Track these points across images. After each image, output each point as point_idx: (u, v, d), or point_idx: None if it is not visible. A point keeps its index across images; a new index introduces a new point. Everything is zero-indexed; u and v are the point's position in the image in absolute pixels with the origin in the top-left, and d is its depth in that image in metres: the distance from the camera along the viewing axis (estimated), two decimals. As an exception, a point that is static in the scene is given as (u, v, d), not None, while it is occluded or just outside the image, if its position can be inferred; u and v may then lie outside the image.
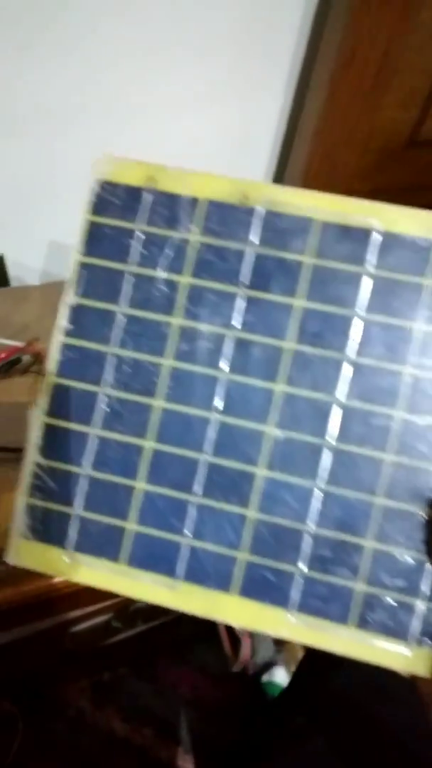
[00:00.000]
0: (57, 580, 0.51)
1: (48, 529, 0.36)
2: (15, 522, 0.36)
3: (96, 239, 0.35)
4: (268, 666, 1.01)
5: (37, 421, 0.36)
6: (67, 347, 0.36)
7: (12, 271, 0.78)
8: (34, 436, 0.36)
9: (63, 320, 0.36)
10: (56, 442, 0.36)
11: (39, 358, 0.65)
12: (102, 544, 0.36)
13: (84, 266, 0.36)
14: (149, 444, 0.35)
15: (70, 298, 0.36)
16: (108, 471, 0.36)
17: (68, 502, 0.36)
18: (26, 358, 0.64)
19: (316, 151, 0.77)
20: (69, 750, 0.87)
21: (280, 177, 0.83)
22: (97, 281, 0.36)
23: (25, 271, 0.79)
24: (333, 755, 0.47)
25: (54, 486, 0.36)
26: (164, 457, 0.35)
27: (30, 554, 0.36)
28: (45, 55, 0.61)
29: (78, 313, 0.36)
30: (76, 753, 0.87)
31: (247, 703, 0.94)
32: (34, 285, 0.75)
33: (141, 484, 0.36)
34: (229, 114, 0.73)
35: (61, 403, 0.36)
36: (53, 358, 0.36)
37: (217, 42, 0.67)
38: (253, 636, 0.97)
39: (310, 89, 0.73)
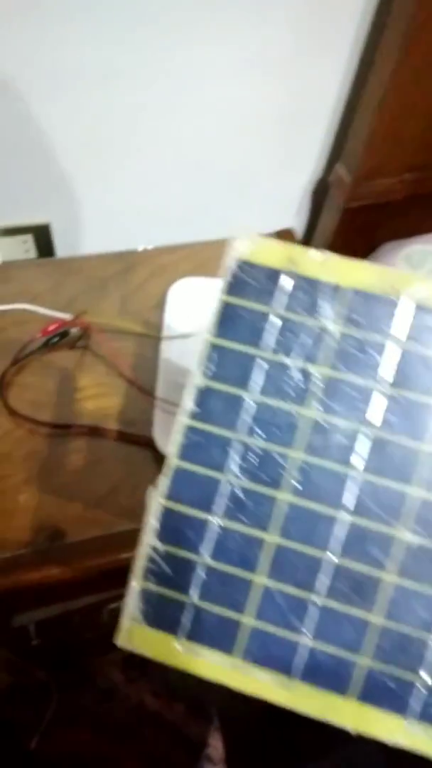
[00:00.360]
0: (104, 560, 0.50)
1: (161, 615, 0.35)
2: (128, 605, 0.35)
3: (229, 321, 0.34)
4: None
5: (155, 504, 0.35)
6: (191, 430, 0.34)
7: (58, 241, 0.76)
8: (152, 519, 0.35)
9: (189, 401, 0.34)
10: (174, 527, 0.35)
11: (87, 332, 0.63)
12: (217, 635, 0.35)
13: (215, 348, 0.34)
14: (272, 538, 0.34)
15: (197, 380, 0.34)
16: (227, 561, 0.34)
17: (184, 589, 0.35)
18: (74, 332, 0.62)
19: (380, 123, 0.73)
20: (100, 721, 0.87)
21: (338, 150, 0.80)
22: (227, 364, 0.34)
23: (72, 241, 0.77)
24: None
25: (170, 572, 0.35)
26: (287, 552, 0.34)
27: (141, 639, 0.35)
28: (95, 18, 0.58)
29: (205, 396, 0.34)
30: (107, 724, 0.87)
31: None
32: (82, 256, 0.72)
33: (261, 579, 0.34)
34: (287, 82, 0.70)
35: (181, 487, 0.35)
36: (176, 441, 0.35)
37: (275, 3, 0.63)
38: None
39: (377, 55, 0.70)
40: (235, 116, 0.72)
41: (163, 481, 0.35)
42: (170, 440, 0.34)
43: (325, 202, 0.87)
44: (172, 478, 0.35)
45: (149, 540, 0.35)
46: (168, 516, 0.35)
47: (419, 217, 0.88)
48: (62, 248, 0.78)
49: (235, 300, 0.34)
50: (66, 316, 0.62)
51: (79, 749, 0.86)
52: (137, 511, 0.51)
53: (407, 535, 0.33)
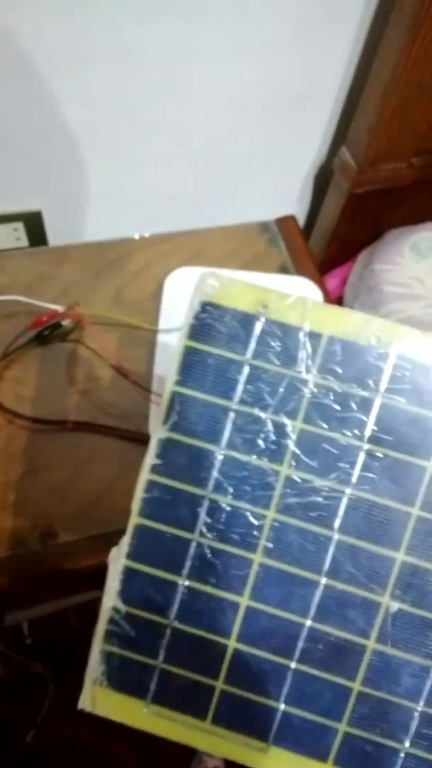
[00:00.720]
0: (98, 560, 0.49)
1: (125, 678, 0.33)
2: (89, 668, 0.33)
3: (194, 368, 0.31)
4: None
5: (117, 564, 0.32)
6: (154, 485, 0.32)
7: (51, 229, 0.73)
8: (114, 580, 0.32)
9: (151, 454, 0.32)
10: (138, 588, 0.32)
11: (79, 324, 0.60)
12: (185, 699, 0.33)
13: (178, 396, 0.31)
14: (244, 601, 0.32)
15: (159, 431, 0.31)
16: (195, 625, 0.32)
17: (149, 652, 0.33)
18: (66, 324, 0.59)
19: (388, 103, 0.69)
20: (94, 715, 0.88)
21: (343, 134, 0.75)
22: (192, 415, 0.31)
23: (65, 229, 0.74)
24: None
25: (133, 634, 0.33)
26: (260, 616, 0.32)
27: (106, 702, 0.33)
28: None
29: (168, 449, 0.31)
30: (101, 718, 0.88)
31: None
32: (75, 244, 0.69)
33: (232, 643, 0.32)
34: (291, 63, 0.66)
35: (144, 545, 0.32)
36: (137, 496, 0.32)
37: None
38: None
39: (386, 34, 0.65)
40: (237, 99, 0.68)
41: (125, 540, 0.32)
42: (134, 499, 0.32)
43: (329, 187, 0.82)
44: (133, 536, 0.32)
45: (111, 601, 0.33)
46: (130, 576, 0.32)
47: (428, 203, 0.83)
48: (55, 236, 0.75)
49: (200, 345, 0.30)
50: (58, 308, 0.59)
51: (75, 742, 0.87)
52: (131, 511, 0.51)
53: (390, 602, 0.30)
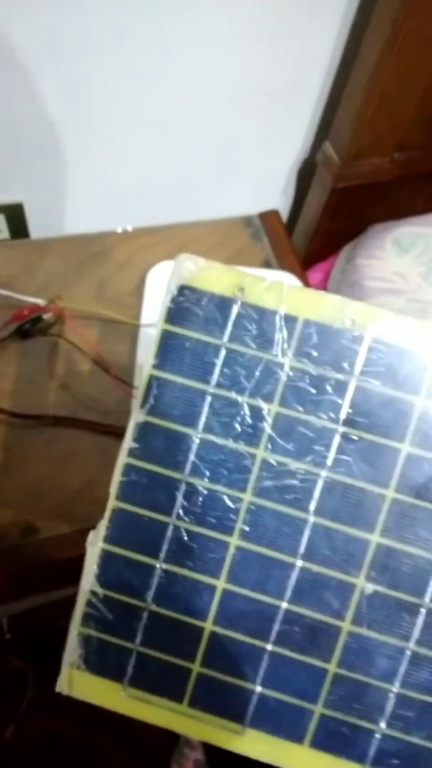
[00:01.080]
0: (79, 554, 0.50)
1: (103, 661, 0.33)
2: (67, 651, 0.33)
3: (171, 351, 0.31)
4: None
5: (94, 548, 0.32)
6: (131, 468, 0.32)
7: (32, 221, 0.73)
8: (91, 564, 0.32)
9: (128, 438, 0.32)
10: (115, 572, 0.32)
11: (61, 319, 0.60)
12: (162, 682, 0.33)
13: (155, 380, 0.31)
14: (221, 584, 0.32)
15: (137, 415, 0.31)
16: (172, 608, 0.32)
17: (126, 635, 0.33)
18: (47, 318, 0.60)
19: (371, 98, 0.69)
20: (77, 708, 0.88)
21: (326, 128, 0.76)
22: (169, 398, 0.31)
23: (47, 221, 0.74)
24: None
25: (111, 617, 0.33)
26: (236, 599, 0.32)
27: (83, 685, 0.33)
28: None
29: (146, 432, 0.31)
30: (84, 711, 0.88)
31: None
32: (56, 237, 0.69)
33: (209, 626, 0.32)
34: (274, 55, 0.66)
35: (122, 529, 0.32)
36: (115, 480, 0.32)
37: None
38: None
39: (369, 28, 0.65)
40: (219, 90, 0.68)
41: (103, 523, 0.32)
42: (112, 483, 0.32)
43: (312, 181, 0.82)
44: (111, 520, 0.32)
45: (88, 585, 0.33)
46: (108, 560, 0.32)
47: (410, 198, 0.83)
48: (37, 229, 0.75)
49: (176, 329, 0.31)
50: (39, 301, 0.60)
51: (56, 737, 0.87)
52: None
53: (365, 584, 0.31)
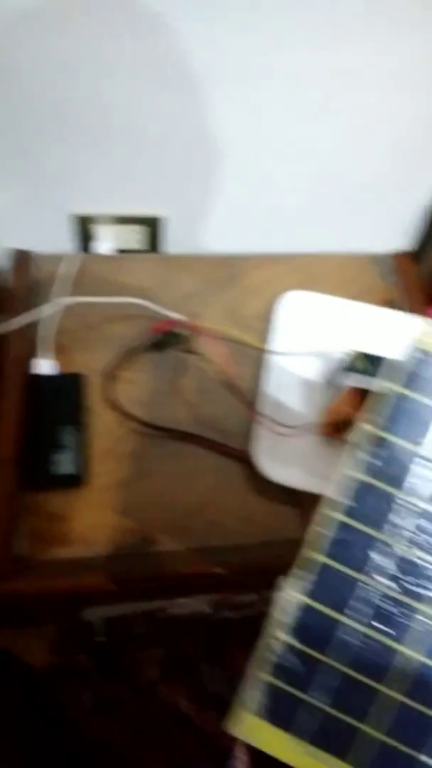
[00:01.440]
0: (190, 571, 0.50)
1: (286, 714, 0.33)
2: (247, 695, 0.33)
3: (401, 415, 0.30)
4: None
5: (288, 596, 0.32)
6: (345, 527, 0.32)
7: (170, 236, 0.74)
8: (284, 613, 0.32)
9: (341, 494, 0.31)
10: (313, 627, 0.32)
11: (194, 335, 0.61)
12: (346, 745, 0.32)
13: (383, 441, 0.31)
14: (414, 654, 0.31)
15: (358, 474, 0.31)
16: (367, 673, 0.32)
17: (316, 693, 0.32)
18: (182, 332, 0.61)
19: None
20: (131, 717, 0.88)
21: None
22: (393, 461, 0.31)
23: (182, 238, 0.75)
24: None
25: (301, 671, 0.32)
26: (430, 671, 0.31)
27: (259, 733, 0.33)
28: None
29: (363, 492, 0.31)
30: (138, 721, 0.87)
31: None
32: (193, 255, 0.70)
33: (402, 696, 0.32)
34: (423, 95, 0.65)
35: (326, 586, 0.32)
36: (323, 535, 0.32)
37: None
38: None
39: None
40: (361, 125, 0.68)
41: (301, 575, 0.32)
42: (314, 534, 0.32)
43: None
44: (315, 574, 0.32)
45: (280, 634, 0.32)
46: (306, 613, 0.32)
47: None
48: (172, 244, 0.76)
49: (409, 393, 0.30)
50: (175, 315, 0.61)
51: (106, 742, 0.87)
52: (226, 528, 0.51)
53: None
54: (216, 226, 0.74)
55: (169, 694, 0.91)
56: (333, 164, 0.72)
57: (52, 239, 0.71)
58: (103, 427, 0.55)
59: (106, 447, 0.54)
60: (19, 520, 0.50)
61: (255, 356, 0.61)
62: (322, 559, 0.32)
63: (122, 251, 0.73)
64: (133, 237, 0.73)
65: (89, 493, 0.52)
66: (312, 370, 0.60)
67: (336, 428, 0.53)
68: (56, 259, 0.64)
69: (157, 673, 0.92)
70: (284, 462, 0.53)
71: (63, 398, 0.55)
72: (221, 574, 0.50)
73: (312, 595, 0.32)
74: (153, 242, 0.75)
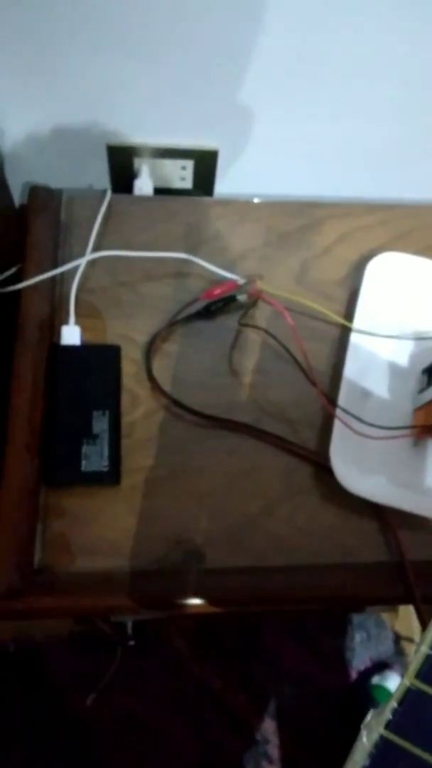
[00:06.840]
0: (245, 595, 0.44)
1: None
2: None
3: None
4: (380, 667, 0.94)
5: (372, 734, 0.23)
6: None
7: (222, 174, 0.61)
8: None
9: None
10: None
11: (256, 303, 0.52)
12: None
13: None
14: None
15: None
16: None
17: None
18: (241, 299, 0.52)
19: None
20: (159, 692, 0.89)
21: None
22: None
23: (237, 177, 0.62)
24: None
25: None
26: None
27: None
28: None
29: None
30: (165, 696, 0.89)
31: (350, 696, 0.90)
32: (256, 201, 0.59)
33: None
34: None
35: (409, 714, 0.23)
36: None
37: None
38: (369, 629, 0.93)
39: None
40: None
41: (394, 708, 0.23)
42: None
43: None
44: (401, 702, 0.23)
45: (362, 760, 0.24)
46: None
47: None
48: (229, 184, 0.63)
49: None
50: (233, 277, 0.52)
51: (133, 716, 0.86)
52: (291, 544, 0.43)
53: None
54: (283, 162, 0.60)
55: (199, 672, 0.91)
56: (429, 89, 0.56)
57: (82, 175, 0.60)
58: (142, 414, 0.47)
59: (145, 437, 0.46)
60: (38, 524, 0.43)
61: (332, 333, 0.51)
62: (416, 683, 0.22)
63: (167, 192, 0.61)
64: (180, 174, 0.61)
65: (123, 493, 0.44)
66: (405, 354, 0.50)
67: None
68: (87, 200, 0.54)
69: (188, 650, 0.90)
70: (368, 470, 0.45)
71: (94, 376, 0.47)
72: (286, 601, 0.43)
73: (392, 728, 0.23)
74: (205, 182, 0.62)
